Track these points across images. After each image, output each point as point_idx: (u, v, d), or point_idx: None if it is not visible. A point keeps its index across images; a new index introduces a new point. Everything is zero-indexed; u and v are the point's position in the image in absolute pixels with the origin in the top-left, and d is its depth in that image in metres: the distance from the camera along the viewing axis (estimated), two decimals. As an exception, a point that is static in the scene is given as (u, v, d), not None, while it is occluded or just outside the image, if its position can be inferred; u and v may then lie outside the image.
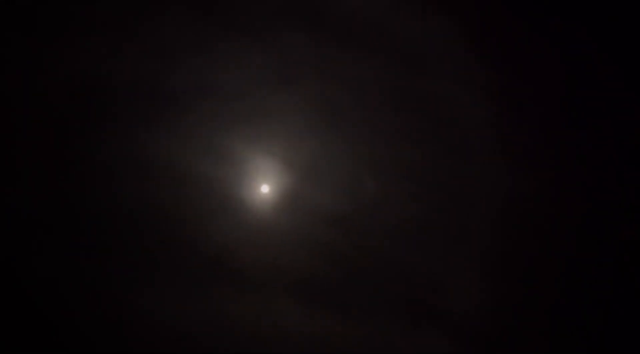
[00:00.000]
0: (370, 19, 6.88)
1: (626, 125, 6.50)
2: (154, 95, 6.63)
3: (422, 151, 6.84)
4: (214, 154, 6.65)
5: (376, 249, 6.69)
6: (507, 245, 6.59)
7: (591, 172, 6.51)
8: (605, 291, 6.22)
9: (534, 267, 6.54)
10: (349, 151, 6.86)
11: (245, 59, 6.89)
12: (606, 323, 6.13)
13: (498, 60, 6.66)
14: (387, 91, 6.90)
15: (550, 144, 6.70)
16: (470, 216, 6.74)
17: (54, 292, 5.95)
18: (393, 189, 6.81)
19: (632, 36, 6.49)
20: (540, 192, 6.67)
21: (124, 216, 6.37)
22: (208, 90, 6.77)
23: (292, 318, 6.34)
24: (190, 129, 6.68)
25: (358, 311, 6.51)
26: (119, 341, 5.90)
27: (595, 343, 6.08)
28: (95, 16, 6.65)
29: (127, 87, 6.55)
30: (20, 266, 5.93)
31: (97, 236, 6.25)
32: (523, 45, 6.66)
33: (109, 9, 6.66)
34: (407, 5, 6.78)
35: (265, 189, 6.62)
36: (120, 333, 5.87)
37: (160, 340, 6.00)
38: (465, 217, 6.73)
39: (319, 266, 6.58)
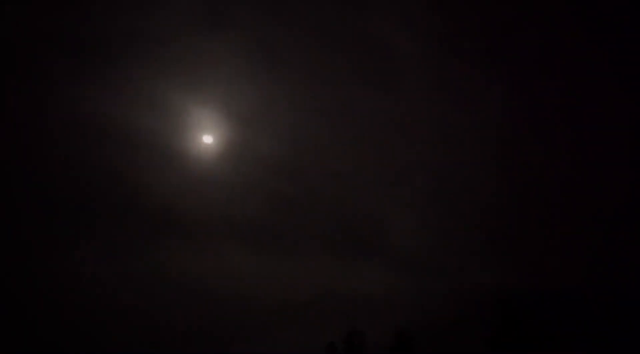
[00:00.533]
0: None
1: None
2: (80, 46, 6.22)
3: (363, 92, 6.75)
4: (150, 104, 6.44)
5: (318, 192, 6.82)
6: (443, 184, 6.80)
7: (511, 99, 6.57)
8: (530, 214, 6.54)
9: (466, 202, 6.81)
10: (290, 95, 6.73)
11: (176, 2, 6.42)
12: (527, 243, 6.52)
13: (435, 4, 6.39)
14: (327, 32, 6.64)
15: (481, 80, 6.67)
16: (410, 161, 6.85)
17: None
18: (334, 134, 6.81)
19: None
20: (475, 127, 6.76)
21: (63, 173, 6.24)
22: (137, 36, 6.38)
23: (239, 261, 6.57)
24: (122, 79, 6.39)
25: (303, 250, 6.78)
26: (63, 296, 6.03)
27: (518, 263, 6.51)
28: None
29: (49, 40, 6.11)
30: None
31: (37, 194, 6.15)
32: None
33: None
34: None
35: (207, 139, 6.52)
36: (63, 287, 5.99)
37: (106, 293, 6.16)
38: (405, 163, 6.85)
39: (263, 210, 6.72)
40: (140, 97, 6.43)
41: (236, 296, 6.63)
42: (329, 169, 6.86)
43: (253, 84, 6.70)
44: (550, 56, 6.61)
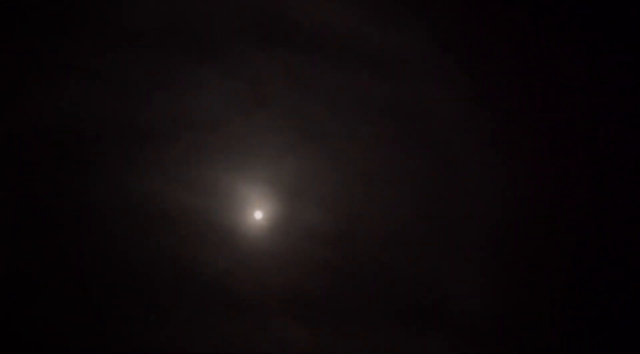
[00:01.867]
0: (338, 31, 6.68)
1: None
2: (132, 134, 6.66)
3: (406, 157, 6.73)
4: (200, 186, 6.69)
5: (370, 260, 6.71)
6: (503, 245, 6.52)
7: (583, 168, 6.32)
8: (605, 289, 6.12)
9: (531, 265, 6.47)
10: (332, 164, 6.81)
11: (214, 86, 6.81)
12: (606, 321, 6.06)
13: (471, 62, 6.42)
14: (363, 100, 6.76)
15: (536, 139, 6.50)
16: (461, 218, 6.66)
17: (63, 340, 6.17)
18: (380, 198, 6.77)
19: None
20: (534, 190, 6.52)
21: (120, 258, 6.52)
22: (183, 122, 6.75)
23: (293, 336, 6.47)
24: (172, 164, 6.71)
25: (358, 323, 6.60)
26: None
27: (594, 341, 6.03)
28: (62, 59, 6.63)
29: (103, 130, 6.59)
30: (24, 320, 6.15)
31: (96, 280, 6.43)
32: (497, 47, 6.39)
33: (72, 51, 6.63)
34: (374, 14, 6.55)
35: (258, 215, 6.65)
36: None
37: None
38: (457, 220, 6.66)
39: (315, 283, 6.65)
40: (191, 179, 6.71)
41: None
42: (377, 236, 6.77)
43: (297, 157, 6.85)
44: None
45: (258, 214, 6.64)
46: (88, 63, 6.71)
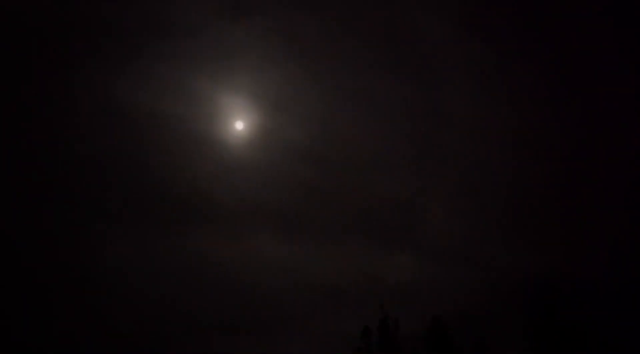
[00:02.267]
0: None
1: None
2: (110, 37, 6.39)
3: (394, 81, 6.68)
4: (181, 93, 6.53)
5: (347, 181, 6.75)
6: (473, 172, 6.63)
7: (574, 106, 6.40)
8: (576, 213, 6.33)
9: (496, 189, 6.62)
10: (317, 82, 6.72)
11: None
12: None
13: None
14: (355, 20, 6.62)
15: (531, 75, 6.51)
16: (439, 145, 6.72)
17: (33, 239, 6.07)
18: (363, 120, 6.75)
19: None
20: (520, 128, 6.59)
21: (97, 161, 6.37)
22: (166, 27, 6.51)
23: (270, 248, 6.54)
24: (152, 69, 6.51)
25: (330, 239, 6.69)
26: (97, 284, 6.11)
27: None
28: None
29: (82, 29, 6.30)
30: (20, 219, 5.99)
31: (72, 183, 6.29)
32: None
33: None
34: None
35: (238, 125, 6.55)
36: (101, 277, 6.08)
37: (142, 281, 6.22)
38: (439, 149, 6.72)
39: (290, 198, 6.68)
40: (171, 86, 6.53)
41: (267, 283, 6.58)
42: (358, 157, 6.79)
43: (282, 72, 6.72)
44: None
45: (239, 124, 6.56)
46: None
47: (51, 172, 6.27)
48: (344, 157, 6.83)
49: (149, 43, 6.61)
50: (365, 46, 6.74)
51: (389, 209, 6.72)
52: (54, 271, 5.96)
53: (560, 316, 5.93)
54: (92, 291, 6.13)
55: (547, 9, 6.47)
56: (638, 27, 6.33)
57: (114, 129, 6.48)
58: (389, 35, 6.71)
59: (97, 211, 6.33)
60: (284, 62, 6.73)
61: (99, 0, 6.39)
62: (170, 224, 6.38)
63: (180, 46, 6.57)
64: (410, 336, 6.47)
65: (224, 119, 6.63)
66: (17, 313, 5.86)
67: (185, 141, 6.52)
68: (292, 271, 6.64)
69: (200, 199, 6.42)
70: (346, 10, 6.66)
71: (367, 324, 6.43)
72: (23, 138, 6.24)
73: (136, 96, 6.46)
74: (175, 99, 6.53)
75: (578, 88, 6.70)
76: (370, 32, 6.72)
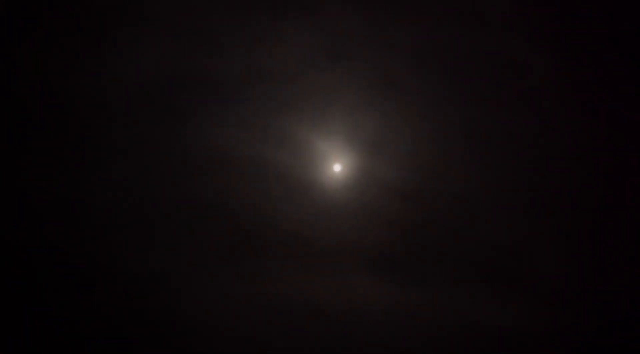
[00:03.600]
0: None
1: None
2: (212, 87, 6.69)
3: (488, 114, 6.55)
4: (278, 139, 6.68)
5: (446, 219, 6.60)
6: (581, 210, 6.29)
7: None
8: None
9: (611, 228, 6.24)
10: (410, 120, 6.69)
11: (293, 38, 6.76)
12: None
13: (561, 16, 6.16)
14: (445, 54, 6.60)
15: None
16: (538, 181, 6.46)
17: (138, 286, 6.31)
18: (459, 156, 6.62)
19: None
20: (625, 158, 6.25)
21: (200, 208, 6.59)
22: (261, 74, 6.74)
23: (369, 293, 6.44)
24: (249, 116, 6.73)
25: (433, 283, 6.52)
26: (209, 327, 6.23)
27: None
28: (141, 10, 6.69)
29: (180, 82, 6.64)
30: (100, 260, 6.29)
31: (176, 229, 6.53)
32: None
33: (152, 2, 6.67)
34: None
35: (334, 169, 6.60)
36: (211, 315, 6.20)
37: (245, 323, 6.29)
38: (535, 183, 6.46)
39: (390, 239, 6.59)
40: (269, 133, 6.71)
41: (364, 327, 6.46)
42: (456, 194, 6.64)
43: (375, 113, 6.76)
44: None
45: (335, 168, 6.60)
46: (165, 15, 6.75)
47: (155, 216, 6.56)
48: (440, 195, 6.70)
49: (245, 90, 6.87)
50: (454, 80, 6.68)
51: (494, 253, 6.48)
52: (139, 317, 6.14)
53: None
54: (186, 336, 6.27)
55: None
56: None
57: (215, 175, 6.72)
58: (484, 68, 6.63)
59: (193, 255, 6.52)
60: (378, 103, 6.78)
61: (203, 47, 6.74)
62: (270, 271, 6.46)
63: (276, 93, 6.79)
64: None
65: (318, 163, 6.72)
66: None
67: (284, 186, 6.65)
68: (386, 313, 6.50)
69: (298, 245, 6.49)
70: (437, 50, 6.66)
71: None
72: (132, 189, 6.58)
73: (236, 143, 6.69)
74: (274, 145, 6.70)
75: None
76: (461, 68, 6.67)
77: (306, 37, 6.77)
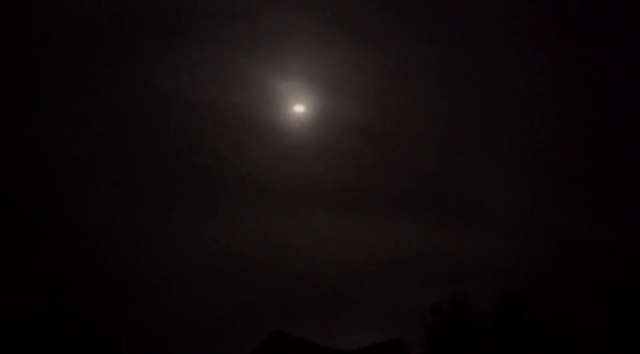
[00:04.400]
0: None
1: None
2: (165, 25, 6.48)
3: (446, 51, 6.60)
4: (237, 81, 6.59)
5: (405, 156, 6.70)
6: (535, 140, 6.48)
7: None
8: None
9: (564, 171, 6.46)
10: (370, 58, 6.69)
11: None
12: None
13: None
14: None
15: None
16: (495, 114, 6.60)
17: (111, 225, 6.18)
18: (417, 94, 6.69)
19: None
20: (580, 91, 6.41)
21: (158, 152, 6.48)
22: (217, 14, 6.57)
23: (329, 226, 6.53)
24: (208, 57, 6.58)
25: (393, 214, 6.65)
26: (177, 260, 6.17)
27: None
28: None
29: (136, 20, 6.41)
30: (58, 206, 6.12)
31: (135, 173, 6.40)
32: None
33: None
34: None
35: (295, 109, 6.56)
36: (176, 260, 6.17)
37: (210, 257, 6.29)
38: (491, 117, 6.60)
39: (351, 176, 6.66)
40: (228, 74, 6.59)
41: (329, 261, 6.58)
42: (413, 132, 6.73)
43: (335, 51, 6.72)
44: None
45: (296, 108, 6.58)
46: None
47: (112, 160, 6.41)
48: (400, 133, 6.78)
49: (202, 30, 6.69)
50: (417, 20, 6.67)
51: (449, 184, 6.65)
52: (99, 264, 6.06)
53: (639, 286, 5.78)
54: (156, 274, 6.24)
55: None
56: None
57: (170, 118, 6.58)
58: (441, 6, 6.64)
59: (156, 201, 6.44)
60: (337, 41, 6.73)
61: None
62: (231, 203, 6.46)
63: (233, 32, 6.64)
64: (479, 312, 6.42)
65: (282, 104, 6.67)
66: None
67: (244, 128, 6.59)
68: (352, 247, 6.63)
69: (261, 182, 6.49)
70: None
71: (434, 300, 6.38)
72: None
73: (192, 84, 6.55)
74: (232, 87, 6.60)
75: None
76: (421, 5, 6.66)
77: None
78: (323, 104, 6.69)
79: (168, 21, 6.50)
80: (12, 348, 6.11)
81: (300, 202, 6.60)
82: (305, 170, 6.68)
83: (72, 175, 6.49)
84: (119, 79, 6.46)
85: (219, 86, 6.56)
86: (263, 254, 6.43)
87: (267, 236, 6.53)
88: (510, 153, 6.69)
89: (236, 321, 6.30)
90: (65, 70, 6.46)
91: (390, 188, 6.71)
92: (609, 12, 5.98)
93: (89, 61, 6.47)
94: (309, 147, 6.72)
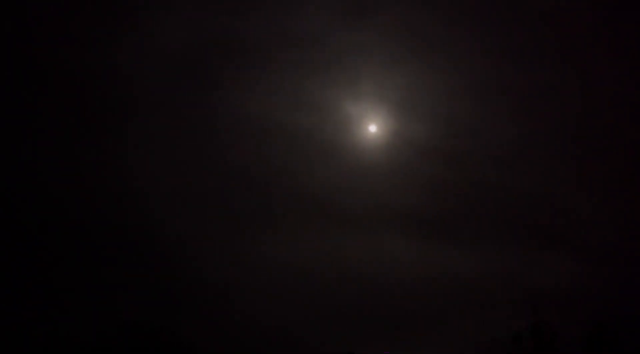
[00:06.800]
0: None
1: None
2: (240, 53, 6.71)
3: (519, 69, 6.29)
4: (306, 104, 6.67)
5: (481, 177, 6.43)
6: (632, 166, 5.99)
7: None
8: None
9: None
10: (441, 76, 6.51)
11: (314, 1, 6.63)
12: None
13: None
14: (473, 11, 6.34)
15: None
16: (586, 138, 6.17)
17: (184, 243, 6.45)
18: (492, 112, 6.41)
19: None
20: None
21: (233, 174, 6.69)
22: (288, 38, 6.69)
23: (398, 248, 6.38)
24: (280, 81, 6.72)
25: (469, 239, 6.39)
26: (244, 276, 6.30)
27: None
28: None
29: (210, 48, 6.69)
30: (151, 226, 6.48)
31: (210, 194, 6.64)
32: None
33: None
34: None
35: (365, 130, 6.54)
36: (246, 271, 6.29)
37: (279, 277, 6.37)
38: (581, 140, 6.18)
39: (422, 198, 6.49)
40: (298, 97, 6.69)
41: (399, 284, 6.44)
42: (489, 152, 6.44)
43: (403, 72, 6.62)
44: None
45: (367, 129, 6.54)
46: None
47: (188, 182, 6.68)
48: (475, 152, 6.51)
49: (274, 56, 6.85)
50: (488, 37, 6.41)
51: (530, 204, 6.28)
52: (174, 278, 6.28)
53: None
54: (238, 286, 6.39)
55: None
56: None
57: (246, 142, 6.77)
58: (513, 22, 6.34)
59: (228, 219, 6.62)
60: (407, 61, 6.63)
61: (226, 18, 6.73)
62: (303, 231, 6.52)
63: (304, 56, 6.74)
64: (568, 343, 5.95)
65: (352, 126, 6.66)
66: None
67: (313, 150, 6.65)
68: (424, 270, 6.43)
69: (331, 205, 6.50)
70: (466, 3, 6.41)
71: (515, 329, 6.02)
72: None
73: (267, 108, 6.71)
74: (302, 111, 6.69)
75: None
76: (492, 22, 6.40)
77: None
78: (395, 125, 6.60)
79: (238, 49, 6.74)
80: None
81: (371, 224, 6.54)
82: (377, 191, 6.61)
83: (152, 192, 6.85)
84: (195, 105, 6.78)
85: (289, 111, 6.69)
86: (334, 275, 6.43)
87: (337, 257, 6.53)
88: (598, 170, 6.22)
89: (305, 339, 6.33)
90: (148, 98, 6.88)
91: (466, 209, 6.47)
92: None
93: (169, 89, 6.85)
94: (381, 168, 6.65)
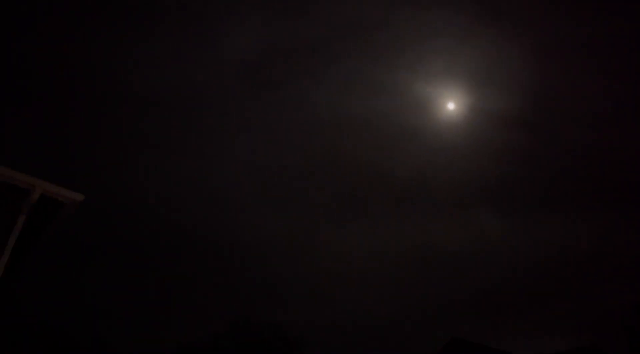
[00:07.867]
0: None
1: None
2: (304, 50, 6.92)
3: (595, 24, 5.85)
4: (381, 90, 6.70)
5: (569, 143, 6.06)
6: None
7: None
8: None
9: None
10: (514, 44, 6.25)
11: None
12: None
13: None
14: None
15: None
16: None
17: (261, 235, 6.73)
18: (570, 76, 6.03)
19: None
20: None
21: (319, 162, 6.88)
22: (349, 29, 6.77)
23: (492, 224, 6.17)
24: (348, 72, 6.82)
25: (562, 208, 6.03)
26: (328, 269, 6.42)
27: None
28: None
29: (279, 52, 6.96)
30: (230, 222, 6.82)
31: (303, 189, 6.88)
32: None
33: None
34: None
35: (450, 106, 6.42)
36: (344, 262, 6.44)
37: (372, 265, 6.42)
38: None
39: (512, 169, 6.25)
40: (371, 84, 6.76)
41: (498, 262, 6.22)
42: (571, 114, 6.05)
43: (476, 44, 6.43)
44: None
45: (444, 107, 6.44)
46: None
47: (278, 177, 6.97)
48: (557, 117, 6.16)
49: (340, 48, 6.97)
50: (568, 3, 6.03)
51: (621, 170, 5.78)
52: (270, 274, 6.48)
53: None
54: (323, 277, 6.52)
55: None
56: None
57: (328, 135, 6.95)
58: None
59: (324, 210, 6.80)
60: (478, 32, 6.44)
61: (288, 21, 6.98)
62: (392, 205, 6.54)
63: (373, 42, 6.78)
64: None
65: (430, 106, 6.60)
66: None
67: (395, 135, 6.67)
68: (523, 246, 6.16)
69: (418, 182, 6.46)
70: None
71: (636, 299, 5.50)
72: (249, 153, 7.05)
73: (340, 100, 6.84)
74: (378, 97, 6.74)
75: None
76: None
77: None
78: (472, 99, 6.44)
79: (304, 47, 6.95)
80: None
81: (462, 202, 6.40)
82: (463, 167, 6.47)
83: (242, 198, 7.23)
84: (272, 103, 7.08)
85: (363, 99, 6.77)
86: (428, 257, 6.37)
87: (428, 240, 6.46)
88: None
89: (405, 325, 6.30)
90: (225, 103, 7.30)
91: (558, 177, 6.11)
92: None
93: (247, 95, 7.22)
94: (464, 145, 6.52)
